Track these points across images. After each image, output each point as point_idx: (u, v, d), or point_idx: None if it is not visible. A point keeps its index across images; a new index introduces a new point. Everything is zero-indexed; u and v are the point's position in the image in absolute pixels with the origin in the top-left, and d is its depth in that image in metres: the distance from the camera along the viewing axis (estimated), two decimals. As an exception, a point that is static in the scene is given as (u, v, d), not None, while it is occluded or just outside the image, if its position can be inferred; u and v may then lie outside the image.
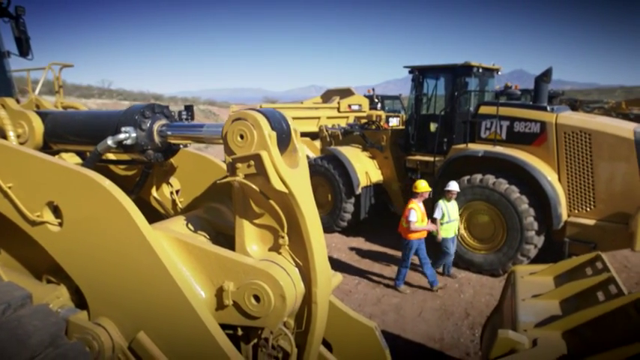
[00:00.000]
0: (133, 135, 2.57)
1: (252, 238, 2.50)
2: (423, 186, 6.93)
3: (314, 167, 9.92)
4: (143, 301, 2.19)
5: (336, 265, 7.90)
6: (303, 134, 12.98)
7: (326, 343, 3.20)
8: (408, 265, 6.97)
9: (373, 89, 21.36)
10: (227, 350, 2.15)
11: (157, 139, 2.72)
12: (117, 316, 2.27)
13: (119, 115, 2.74)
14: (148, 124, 2.68)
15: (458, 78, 8.40)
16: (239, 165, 2.25)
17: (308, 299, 2.47)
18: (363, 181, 9.33)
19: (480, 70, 8.45)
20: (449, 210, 7.06)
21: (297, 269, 2.44)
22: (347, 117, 14.86)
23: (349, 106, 16.38)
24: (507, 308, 3.38)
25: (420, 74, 8.86)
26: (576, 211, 7.04)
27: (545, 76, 7.89)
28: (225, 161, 2.42)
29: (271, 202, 2.34)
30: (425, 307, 6.26)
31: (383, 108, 20.00)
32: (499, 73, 9.15)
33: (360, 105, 16.89)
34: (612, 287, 2.90)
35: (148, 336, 2.21)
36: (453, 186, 7.14)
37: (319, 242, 2.44)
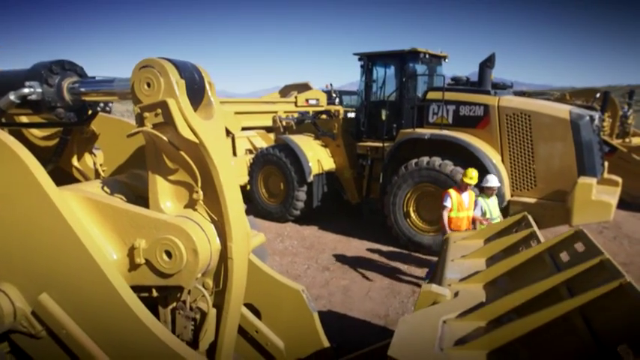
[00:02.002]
0: (39, 90, 2.44)
1: (165, 194, 2.41)
2: (473, 175, 6.11)
3: (266, 156, 9.84)
4: (48, 264, 2.06)
5: (287, 252, 7.85)
6: (262, 129, 12.96)
7: (255, 311, 3.14)
8: None
9: (331, 84, 21.39)
10: (138, 312, 2.05)
11: (67, 96, 2.58)
12: (19, 280, 2.12)
13: (25, 71, 2.59)
14: (57, 80, 2.54)
15: (405, 64, 8.50)
16: (146, 114, 2.16)
17: (224, 256, 2.39)
18: (315, 169, 9.31)
19: (427, 57, 8.57)
20: (490, 207, 6.24)
21: (212, 225, 2.36)
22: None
23: (307, 100, 16.37)
24: (439, 271, 3.41)
25: (368, 61, 8.90)
26: (519, 191, 7.25)
27: (488, 62, 8.10)
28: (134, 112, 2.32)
29: (182, 153, 2.26)
30: (373, 287, 6.28)
31: (341, 103, 20.09)
32: (446, 60, 9.30)
33: (317, 99, 16.91)
34: (534, 241, 2.96)
35: (55, 301, 2.07)
36: (493, 181, 6.23)
37: (234, 196, 2.37)
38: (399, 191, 7.70)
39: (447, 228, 5.98)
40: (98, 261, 2.03)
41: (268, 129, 12.98)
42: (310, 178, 9.18)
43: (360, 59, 9.02)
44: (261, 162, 9.95)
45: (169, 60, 2.18)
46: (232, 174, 2.42)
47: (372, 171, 8.82)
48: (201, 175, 2.29)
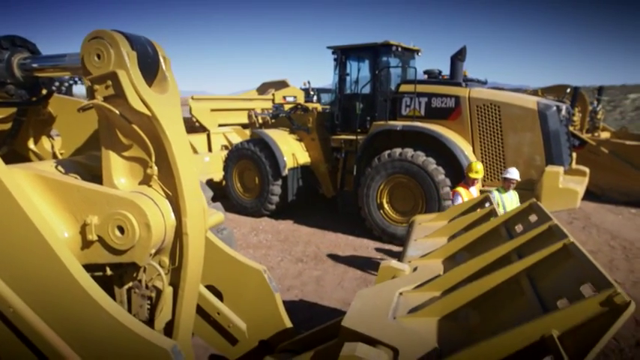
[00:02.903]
0: None
1: (119, 170, 2.36)
2: (479, 169, 5.88)
3: (241, 151, 9.77)
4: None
5: (261, 245, 7.81)
6: (241, 126, 12.87)
7: (217, 293, 3.10)
8: None
9: (309, 82, 21.37)
10: (90, 290, 2.00)
11: (17, 72, 2.53)
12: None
13: None
14: (6, 56, 2.48)
15: (378, 57, 8.54)
16: (97, 87, 2.12)
17: (180, 232, 2.36)
18: (290, 163, 9.28)
19: (400, 50, 8.62)
20: (504, 202, 5.83)
21: (167, 201, 2.33)
22: None
23: (284, 97, 16.35)
24: (402, 250, 3.43)
25: (342, 54, 8.92)
26: (489, 181, 7.34)
27: (459, 55, 8.19)
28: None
29: (135, 127, 2.22)
30: (345, 277, 6.29)
31: (319, 100, 20.10)
32: (419, 54, 9.38)
33: (295, 97, 16.89)
34: (494, 219, 2.99)
35: (2, 279, 2.01)
36: (513, 173, 5.86)
37: (188, 171, 2.33)
38: (373, 183, 7.73)
39: None
40: (48, 239, 1.98)
41: (246, 126, 12.94)
42: (285, 172, 9.14)
43: (333, 53, 9.02)
44: (235, 157, 9.88)
45: (120, 32, 2.14)
46: (187, 148, 2.39)
47: (345, 164, 8.84)
48: (155, 150, 2.25)
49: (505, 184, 5.90)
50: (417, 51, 9.31)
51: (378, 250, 7.49)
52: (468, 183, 5.92)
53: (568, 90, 12.88)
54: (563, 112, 7.46)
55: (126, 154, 2.35)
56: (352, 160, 8.57)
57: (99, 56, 2.07)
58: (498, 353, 1.43)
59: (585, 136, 12.40)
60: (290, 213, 9.62)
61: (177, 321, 2.50)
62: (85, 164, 2.78)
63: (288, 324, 3.00)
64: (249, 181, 9.84)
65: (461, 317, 1.99)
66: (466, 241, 2.69)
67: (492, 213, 3.08)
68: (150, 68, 2.26)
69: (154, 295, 2.45)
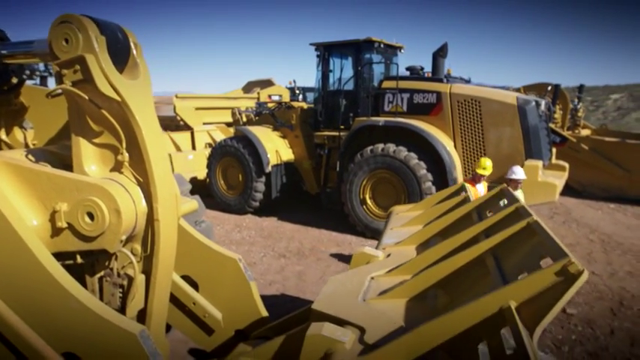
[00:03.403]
0: None
1: (90, 157, 2.35)
2: (487, 165, 5.77)
3: (224, 148, 9.73)
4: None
5: (244, 242, 7.78)
6: (226, 124, 12.81)
7: (193, 283, 3.09)
8: None
9: (294, 81, 21.34)
10: (60, 278, 1.99)
11: None
12: None
13: None
14: (-27, 44, 2.45)
15: (360, 53, 8.57)
16: (65, 71, 2.11)
17: (151, 218, 2.34)
18: (274, 160, 9.26)
19: (382, 46, 8.66)
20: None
21: (139, 188, 2.31)
22: None
23: (269, 96, 16.29)
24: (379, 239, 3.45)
25: (325, 51, 8.93)
26: (470, 175, 7.39)
27: (441, 51, 8.27)
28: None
29: (105, 113, 2.21)
30: (327, 271, 6.30)
31: (305, 99, 20.07)
32: (402, 51, 9.44)
33: (280, 95, 16.83)
34: (466, 205, 3.03)
35: None
36: (519, 173, 5.81)
37: (159, 157, 2.32)
38: (355, 178, 7.75)
39: None
40: (16, 227, 1.97)
41: (230, 124, 12.88)
42: (268, 169, 9.13)
43: (316, 49, 9.03)
44: (219, 154, 9.84)
45: (89, 17, 2.13)
46: (158, 135, 2.38)
47: (329, 160, 8.85)
48: (126, 136, 2.24)
49: (511, 185, 5.63)
50: (400, 48, 9.36)
51: (361, 244, 7.50)
52: (475, 179, 5.82)
53: (549, 88, 13.05)
54: (543, 107, 7.56)
55: (96, 140, 2.34)
56: (335, 156, 8.58)
57: (67, 40, 2.06)
58: (460, 325, 1.45)
59: (566, 133, 12.57)
60: (274, 210, 9.61)
61: (149, 309, 2.49)
62: (57, 153, 2.75)
63: (264, 313, 3.00)
64: (232, 178, 9.81)
65: (429, 298, 2.01)
66: (439, 227, 2.72)
67: (466, 200, 3.11)
68: (120, 54, 2.25)
69: (125, 283, 2.43)
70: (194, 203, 3.05)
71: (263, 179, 9.28)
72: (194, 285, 3.08)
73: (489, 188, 5.68)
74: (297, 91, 20.69)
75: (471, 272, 1.91)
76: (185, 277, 3.04)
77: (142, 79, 2.36)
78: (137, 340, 1.91)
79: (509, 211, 2.16)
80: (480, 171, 5.78)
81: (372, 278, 2.32)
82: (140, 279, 2.42)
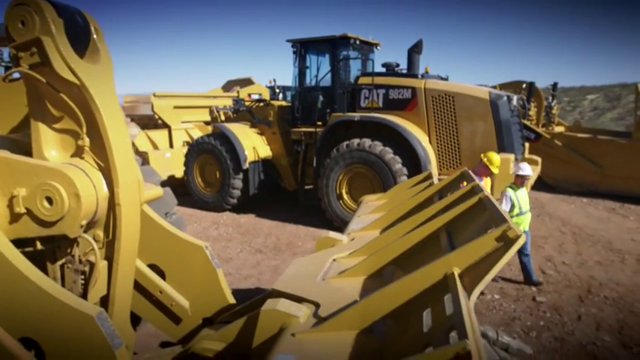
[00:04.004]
0: None
1: (49, 142, 2.32)
2: (495, 159, 5.60)
3: (201, 145, 9.68)
4: None
5: (221, 238, 7.75)
6: (204, 123, 12.73)
7: (160, 272, 3.07)
8: None
9: (274, 80, 21.28)
10: (19, 265, 1.97)
11: None
12: None
13: None
14: None
15: (337, 49, 8.62)
16: (21, 54, 2.09)
17: (112, 203, 2.33)
18: (251, 157, 9.24)
19: (358, 42, 8.71)
20: (519, 199, 5.59)
21: (100, 173, 2.30)
22: None
23: (249, 95, 16.22)
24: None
25: (301, 47, 8.95)
26: (445, 169, 7.51)
27: (416, 48, 8.37)
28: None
29: (64, 97, 2.19)
30: (303, 265, 6.31)
31: (285, 98, 20.04)
32: (378, 48, 9.51)
33: (260, 94, 16.78)
34: (429, 189, 3.08)
35: None
36: (526, 169, 5.66)
37: (120, 142, 2.31)
38: (332, 174, 7.79)
39: None
40: None
41: (209, 123, 12.82)
42: (246, 166, 9.10)
43: (292, 46, 9.04)
44: (196, 151, 9.78)
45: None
46: (120, 120, 2.36)
47: (306, 156, 8.87)
48: (86, 121, 2.22)
49: (517, 181, 5.66)
50: (376, 45, 9.43)
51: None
52: (480, 173, 5.60)
53: (524, 85, 13.28)
54: (514, 102, 7.71)
55: (56, 125, 2.32)
56: (312, 152, 8.61)
57: (23, 23, 2.04)
58: (407, 293, 1.48)
59: (541, 130, 12.81)
60: (252, 207, 9.58)
61: (112, 295, 2.47)
62: (18, 140, 2.71)
63: (231, 300, 3.00)
64: (210, 175, 9.75)
65: (386, 274, 2.04)
66: (403, 211, 2.76)
67: (430, 186, 3.16)
68: (79, 38, 2.23)
69: (87, 269, 2.41)
70: (158, 190, 3.04)
71: (240, 176, 9.25)
72: (161, 274, 3.06)
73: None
74: (277, 90, 20.68)
75: (426, 248, 1.94)
76: (152, 266, 3.02)
77: (102, 64, 2.34)
78: (94, 322, 1.90)
79: (464, 191, 2.21)
80: (487, 163, 5.63)
81: (334, 260, 2.35)
82: (102, 265, 2.41)
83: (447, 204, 2.21)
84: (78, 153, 2.31)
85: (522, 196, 5.64)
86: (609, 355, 4.10)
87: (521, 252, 5.56)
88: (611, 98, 28.18)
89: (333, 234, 2.72)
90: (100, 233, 2.41)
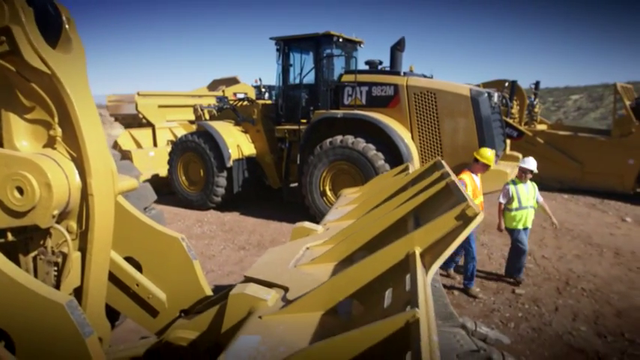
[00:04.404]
0: None
1: (21, 132, 2.31)
2: (488, 156, 5.44)
3: (185, 143, 9.64)
4: None
5: (205, 236, 7.73)
6: (189, 122, 12.68)
7: (137, 265, 3.06)
8: (474, 256, 5.34)
9: (260, 79, 21.23)
10: None
11: None
12: None
13: None
14: None
15: (320, 47, 8.65)
16: None
17: (85, 193, 2.32)
18: (235, 154, 9.23)
19: (341, 40, 8.75)
20: (520, 194, 5.51)
21: (72, 163, 2.29)
22: None
23: (235, 94, 16.17)
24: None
25: (284, 45, 8.96)
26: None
27: (398, 45, 8.42)
28: None
29: (35, 86, 2.18)
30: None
31: (270, 97, 20.00)
32: (362, 46, 9.56)
33: (245, 93, 16.72)
34: (403, 178, 3.11)
35: None
36: (529, 163, 5.57)
37: (93, 132, 2.30)
38: (315, 170, 7.81)
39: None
40: None
41: (194, 122, 12.77)
42: (230, 164, 9.09)
43: (276, 43, 9.05)
44: (180, 149, 9.74)
45: None
46: (92, 110, 2.35)
47: (290, 154, 8.89)
48: (58, 111, 2.21)
49: (520, 175, 5.59)
50: (360, 42, 9.47)
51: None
52: (474, 169, 5.54)
53: (506, 84, 13.43)
54: (495, 99, 7.80)
55: (27, 115, 2.31)
56: (296, 149, 8.62)
57: None
58: (371, 272, 1.51)
59: (523, 127, 12.97)
60: (236, 205, 9.57)
61: (86, 286, 2.46)
62: (-12, 133, 2.69)
63: (208, 292, 3.00)
64: (194, 174, 9.71)
65: (357, 259, 2.06)
66: (377, 201, 2.79)
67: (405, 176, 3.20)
68: (51, 27, 2.22)
69: (60, 261, 2.40)
70: (133, 182, 3.02)
71: (225, 174, 9.23)
72: (137, 266, 3.05)
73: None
74: (263, 89, 20.65)
75: (395, 233, 1.97)
76: (128, 259, 3.01)
77: (74, 53, 2.33)
78: (64, 310, 1.89)
79: (434, 177, 2.24)
80: (479, 158, 5.48)
81: (308, 248, 2.37)
82: (75, 256, 2.40)
83: (417, 191, 2.24)
84: (50, 143, 2.30)
85: (524, 191, 5.56)
86: (584, 343, 4.18)
87: (516, 246, 5.54)
88: (595, 98, 28.64)
89: (308, 224, 2.74)
90: (73, 224, 2.40)
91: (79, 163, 2.27)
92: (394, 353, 0.96)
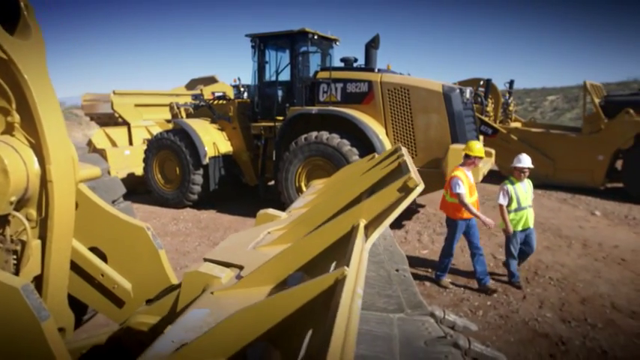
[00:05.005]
0: None
1: (-22, 120, 2.29)
2: (477, 148, 5.29)
3: (160, 141, 9.57)
4: None
5: (180, 233, 7.69)
6: (166, 121, 12.57)
7: (102, 255, 3.05)
8: (452, 253, 5.34)
9: (239, 78, 21.19)
10: None
11: None
12: None
13: None
14: None
15: (295, 44, 8.68)
16: None
17: (44, 180, 2.31)
18: (211, 152, 9.20)
19: (317, 37, 8.79)
20: (518, 194, 5.30)
21: (31, 150, 2.28)
22: None
23: (213, 93, 16.11)
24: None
25: (260, 42, 8.97)
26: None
27: (373, 43, 8.51)
28: None
29: (-11, 72, 2.16)
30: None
31: (249, 96, 19.94)
32: (337, 43, 9.63)
33: (224, 92, 16.67)
34: (366, 164, 3.16)
35: None
36: (525, 161, 5.35)
37: (52, 118, 2.29)
38: (291, 167, 7.84)
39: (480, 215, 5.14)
40: None
41: (170, 121, 12.68)
42: (206, 161, 9.06)
43: (251, 41, 9.05)
44: (155, 147, 9.66)
45: None
46: (52, 97, 2.35)
47: (266, 150, 8.90)
48: (16, 97, 2.20)
49: (516, 174, 5.38)
50: (335, 40, 9.54)
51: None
52: (466, 164, 5.38)
53: (481, 82, 13.65)
54: (467, 95, 7.94)
55: (-15, 104, 2.29)
56: (272, 146, 8.64)
57: None
58: (319, 245, 1.54)
59: (498, 125, 13.21)
60: (213, 202, 9.54)
61: (46, 275, 2.45)
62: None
63: (174, 281, 2.99)
64: (170, 172, 9.65)
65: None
66: (340, 186, 2.83)
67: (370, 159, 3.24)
68: (8, 14, 2.21)
69: (19, 248, 2.38)
70: (96, 170, 3.01)
71: (201, 172, 9.19)
72: (103, 257, 3.04)
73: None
74: (242, 89, 20.57)
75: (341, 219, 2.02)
76: (93, 249, 2.99)
77: (33, 40, 2.32)
78: (19, 294, 1.88)
79: (391, 160, 2.30)
80: (470, 153, 5.31)
81: (269, 232, 2.39)
82: (35, 244, 2.38)
83: (374, 173, 2.29)
84: (8, 130, 2.28)
85: (522, 190, 5.35)
86: (549, 329, 4.30)
87: (507, 249, 5.37)
88: (570, 99, 29.31)
89: (272, 210, 2.77)
90: (33, 211, 2.38)
91: (38, 149, 2.26)
92: (323, 309, 1.00)
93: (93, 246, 2.99)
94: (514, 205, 5.30)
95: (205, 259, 2.14)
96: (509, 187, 5.33)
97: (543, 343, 4.06)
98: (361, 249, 1.26)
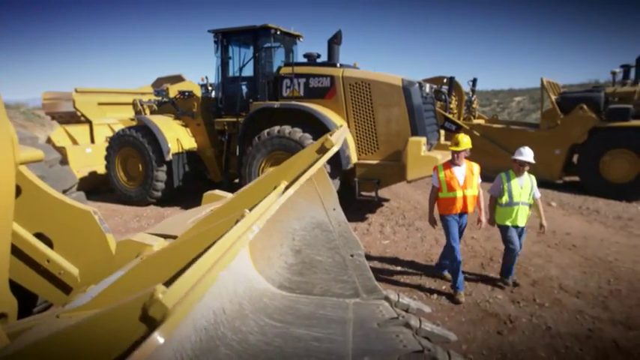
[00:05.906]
0: None
1: None
2: (465, 142, 4.88)
3: (122, 138, 9.43)
4: None
5: (142, 229, 7.57)
6: (130, 119, 12.35)
7: (48, 241, 3.01)
8: (455, 256, 4.82)
9: (207, 77, 20.99)
10: None
11: None
12: None
13: None
14: None
15: (258, 40, 8.70)
16: None
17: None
18: (175, 148, 9.13)
19: (279, 33, 8.84)
20: (512, 188, 4.95)
21: None
22: None
23: (179, 92, 15.94)
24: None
25: (223, 38, 8.95)
26: (364, 154, 7.78)
27: (335, 39, 8.59)
28: None
29: None
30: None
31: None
32: (301, 40, 9.69)
33: (191, 91, 16.52)
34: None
35: None
36: (526, 154, 4.91)
37: None
38: (254, 161, 7.86)
39: (433, 212, 5.04)
40: None
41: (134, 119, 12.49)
42: (169, 157, 8.98)
43: (214, 36, 9.02)
44: (117, 144, 9.51)
45: None
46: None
47: (229, 146, 8.89)
48: None
49: (515, 167, 5.00)
50: (298, 36, 9.60)
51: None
52: (453, 159, 4.97)
53: (445, 80, 13.95)
54: (427, 90, 8.12)
55: None
56: (236, 142, 8.63)
57: None
58: (248, 203, 1.59)
59: (461, 121, 13.52)
60: (177, 199, 9.46)
61: (-15, 262, 2.40)
62: None
63: (122, 264, 3.00)
64: (132, 169, 9.52)
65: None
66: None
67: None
68: None
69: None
70: (38, 152, 2.97)
71: (164, 168, 9.11)
72: (49, 242, 3.00)
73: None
74: (210, 88, 20.40)
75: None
76: (38, 235, 2.95)
77: None
78: None
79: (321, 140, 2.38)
80: (454, 148, 4.91)
81: (211, 210, 2.43)
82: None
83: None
84: None
85: (517, 185, 4.97)
86: (499, 309, 4.45)
87: (505, 245, 5.10)
88: (536, 100, 30.24)
89: (218, 191, 2.81)
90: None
91: None
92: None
93: (38, 232, 2.94)
94: (505, 199, 5.02)
95: (144, 233, 2.17)
96: (503, 179, 5.08)
97: (492, 321, 4.21)
98: (271, 200, 1.31)
